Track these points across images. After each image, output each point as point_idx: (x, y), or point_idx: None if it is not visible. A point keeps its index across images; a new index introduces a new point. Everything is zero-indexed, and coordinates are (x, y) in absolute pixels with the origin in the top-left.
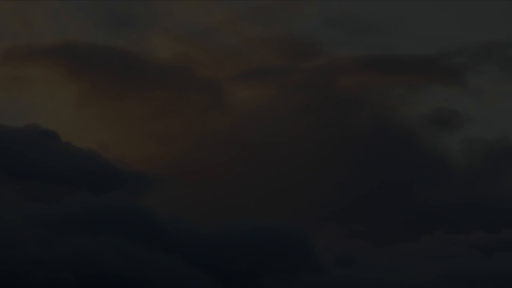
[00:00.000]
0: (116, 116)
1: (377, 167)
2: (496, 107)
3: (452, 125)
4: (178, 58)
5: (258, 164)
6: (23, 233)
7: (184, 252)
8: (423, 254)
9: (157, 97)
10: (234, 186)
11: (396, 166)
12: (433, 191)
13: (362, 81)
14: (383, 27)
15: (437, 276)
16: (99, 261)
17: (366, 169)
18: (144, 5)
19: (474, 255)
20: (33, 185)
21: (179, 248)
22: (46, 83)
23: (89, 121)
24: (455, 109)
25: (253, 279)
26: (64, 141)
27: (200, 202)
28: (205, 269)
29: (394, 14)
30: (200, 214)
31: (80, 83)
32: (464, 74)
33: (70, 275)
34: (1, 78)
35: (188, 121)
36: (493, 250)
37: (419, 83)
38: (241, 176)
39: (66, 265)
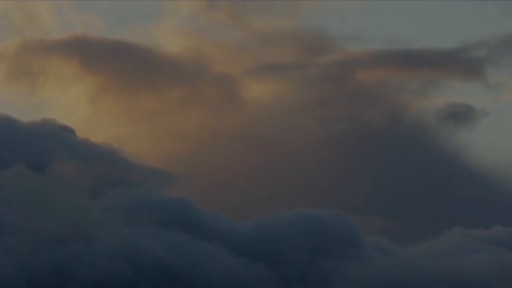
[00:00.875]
0: (130, 112)
1: (391, 162)
2: None
3: (467, 120)
4: (189, 53)
5: (274, 158)
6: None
7: (231, 243)
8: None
9: (171, 92)
10: (252, 181)
11: (409, 161)
12: (447, 187)
13: (379, 75)
14: (401, 21)
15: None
16: (149, 252)
17: (381, 164)
18: None
19: None
20: None
21: (229, 239)
22: (60, 78)
23: (104, 116)
24: (470, 104)
25: (308, 267)
26: (79, 136)
27: (223, 196)
28: (254, 259)
29: (413, 8)
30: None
31: (94, 78)
32: (483, 68)
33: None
34: (14, 74)
35: (203, 116)
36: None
37: (437, 77)
38: (257, 170)
39: (120, 258)
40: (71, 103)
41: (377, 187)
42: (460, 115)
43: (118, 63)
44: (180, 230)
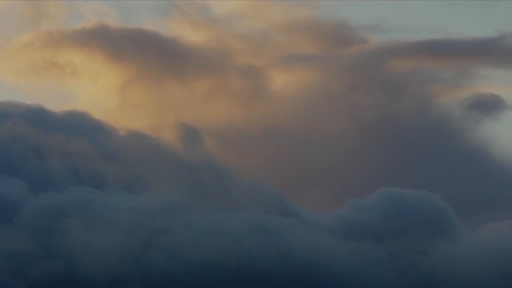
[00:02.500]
0: (158, 103)
1: (417, 153)
2: None
3: (496, 111)
4: (212, 44)
5: (304, 148)
6: None
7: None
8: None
9: (198, 83)
10: (285, 173)
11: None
12: (473, 181)
13: (408, 65)
14: (437, 9)
15: None
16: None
17: (406, 155)
18: None
19: None
20: None
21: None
22: (86, 69)
23: (131, 107)
24: (500, 95)
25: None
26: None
27: None
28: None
29: None
30: None
31: (120, 68)
32: None
33: None
34: (39, 64)
35: (231, 108)
36: None
37: (471, 67)
38: (288, 162)
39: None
40: (97, 94)
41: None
42: (489, 106)
43: (143, 53)
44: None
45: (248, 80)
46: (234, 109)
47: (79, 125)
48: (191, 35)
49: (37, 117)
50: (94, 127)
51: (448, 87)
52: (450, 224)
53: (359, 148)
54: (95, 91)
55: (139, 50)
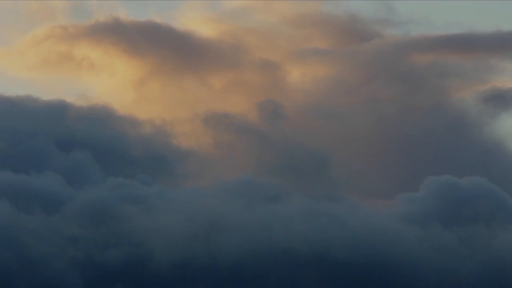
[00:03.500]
0: (175, 97)
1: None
2: None
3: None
4: (226, 39)
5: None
6: None
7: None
8: None
9: (214, 78)
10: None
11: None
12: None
13: (429, 59)
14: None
15: None
16: None
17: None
18: None
19: None
20: None
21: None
22: (102, 63)
23: (149, 102)
24: None
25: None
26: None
27: None
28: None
29: None
30: None
31: (137, 63)
32: None
33: None
34: (54, 58)
35: (249, 103)
36: None
37: (490, 61)
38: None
39: None
40: (114, 88)
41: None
42: (507, 100)
43: (159, 47)
44: None
45: (264, 74)
46: (250, 103)
47: (103, 118)
48: (203, 29)
49: (59, 111)
50: (119, 121)
51: (466, 81)
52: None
53: (376, 141)
54: (111, 85)
55: (155, 44)
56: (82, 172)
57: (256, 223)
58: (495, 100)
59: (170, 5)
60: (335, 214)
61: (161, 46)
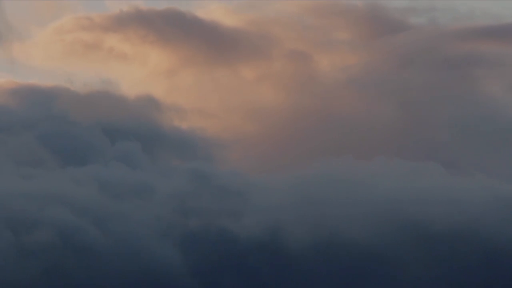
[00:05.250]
0: (206, 88)
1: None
2: None
3: None
4: (253, 29)
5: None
6: None
7: None
8: None
9: (246, 68)
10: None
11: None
12: None
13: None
14: None
15: None
16: None
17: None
18: None
19: None
20: None
21: None
22: (130, 53)
23: (180, 92)
24: None
25: None
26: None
27: None
28: None
29: None
30: None
31: (166, 53)
32: None
33: None
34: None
35: (279, 93)
36: None
37: None
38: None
39: None
40: (145, 79)
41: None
42: None
43: (188, 37)
44: None
45: (294, 64)
46: (281, 94)
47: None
48: (226, 19)
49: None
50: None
51: (498, 70)
52: None
53: (406, 130)
54: (141, 75)
55: (183, 34)
56: (133, 161)
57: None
58: None
59: None
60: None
61: (190, 36)
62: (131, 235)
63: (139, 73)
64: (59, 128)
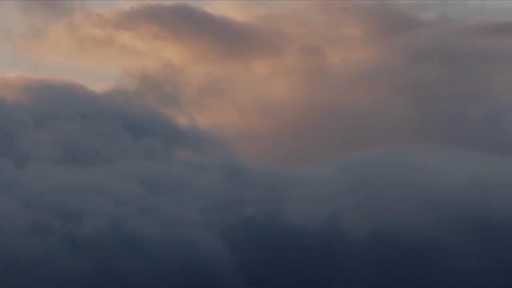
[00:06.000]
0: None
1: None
2: None
3: None
4: (263, 24)
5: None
6: None
7: None
8: None
9: (259, 63)
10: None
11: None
12: None
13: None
14: None
15: None
16: None
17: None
18: None
19: None
20: None
21: None
22: (143, 49)
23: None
24: None
25: None
26: None
27: None
28: None
29: None
30: None
31: (179, 49)
32: None
33: None
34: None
35: (292, 88)
36: None
37: None
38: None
39: None
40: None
41: None
42: None
43: (200, 33)
44: None
45: (307, 60)
46: (294, 89)
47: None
48: (235, 15)
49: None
50: None
51: (508, 65)
52: None
53: (418, 124)
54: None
55: (195, 30)
56: (158, 156)
57: None
58: None
59: None
60: None
61: (203, 32)
62: (177, 229)
63: (152, 69)
64: (82, 124)
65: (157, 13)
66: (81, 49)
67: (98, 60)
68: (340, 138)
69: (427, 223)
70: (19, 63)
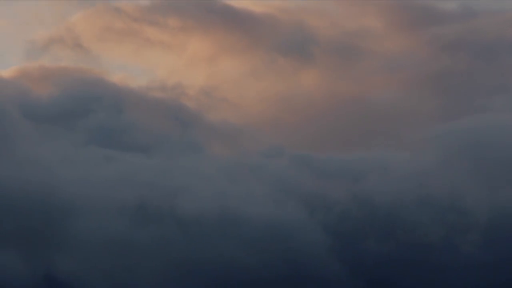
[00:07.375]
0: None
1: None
2: None
3: None
4: (283, 16)
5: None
6: None
7: None
8: None
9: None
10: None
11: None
12: None
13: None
14: None
15: None
16: None
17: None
18: None
19: None
20: None
21: None
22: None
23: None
24: None
25: None
26: None
27: None
28: None
29: None
30: None
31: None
32: None
33: None
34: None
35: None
36: None
37: None
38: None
39: None
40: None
41: None
42: None
43: (224, 25)
44: None
45: (333, 53)
46: (319, 82)
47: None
48: (255, 7)
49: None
50: None
51: None
52: None
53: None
54: (179, 64)
55: (219, 22)
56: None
57: None
58: None
59: None
60: None
61: (227, 24)
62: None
63: (177, 61)
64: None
65: (179, 5)
66: (104, 41)
67: (119, 53)
68: (364, 130)
69: None
70: None
